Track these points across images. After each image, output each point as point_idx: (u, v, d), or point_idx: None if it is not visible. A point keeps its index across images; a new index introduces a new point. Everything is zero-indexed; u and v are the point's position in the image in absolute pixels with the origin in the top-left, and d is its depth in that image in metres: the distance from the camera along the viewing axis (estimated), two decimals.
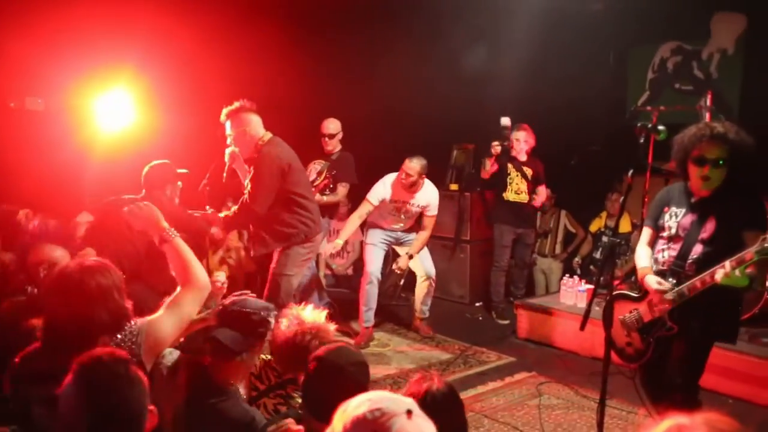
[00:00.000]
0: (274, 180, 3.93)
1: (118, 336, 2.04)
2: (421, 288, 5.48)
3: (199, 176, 4.90)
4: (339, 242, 5.29)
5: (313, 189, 5.23)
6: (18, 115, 6.31)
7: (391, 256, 5.88)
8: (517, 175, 5.88)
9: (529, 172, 5.89)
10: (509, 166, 5.86)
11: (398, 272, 5.43)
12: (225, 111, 4.07)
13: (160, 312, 2.20)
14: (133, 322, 2.11)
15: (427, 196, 5.28)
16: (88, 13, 5.45)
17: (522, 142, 5.85)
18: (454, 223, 6.61)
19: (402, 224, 5.38)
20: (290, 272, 4.10)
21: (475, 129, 6.84)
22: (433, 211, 5.31)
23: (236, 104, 4.07)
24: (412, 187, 5.19)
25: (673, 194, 3.11)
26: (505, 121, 5.68)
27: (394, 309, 6.23)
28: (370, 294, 5.25)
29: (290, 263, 4.08)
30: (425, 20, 6.64)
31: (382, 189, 5.25)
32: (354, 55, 7.06)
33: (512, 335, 5.43)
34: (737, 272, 2.66)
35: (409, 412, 1.33)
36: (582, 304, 5.19)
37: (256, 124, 4.08)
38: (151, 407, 1.69)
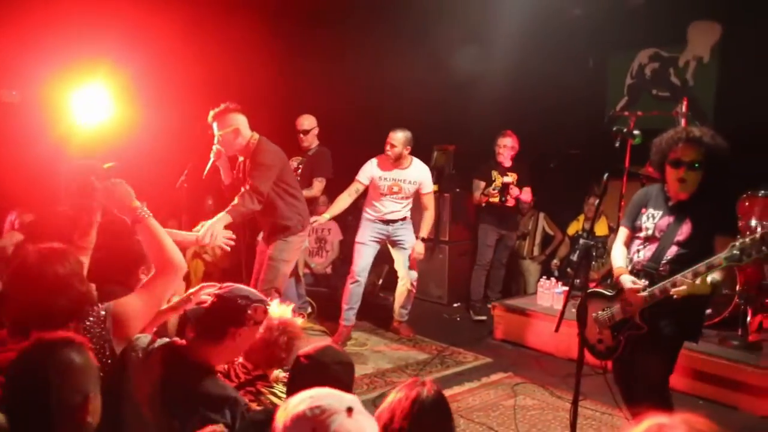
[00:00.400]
0: (275, 168, 4.17)
1: (87, 321, 2.02)
2: (401, 291, 5.50)
3: (178, 172, 4.87)
4: (326, 216, 5.34)
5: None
6: None
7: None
8: (501, 180, 5.97)
9: (513, 177, 5.94)
10: (493, 172, 5.95)
11: (419, 258, 5.41)
12: (212, 112, 4.14)
13: (130, 295, 2.18)
14: (98, 306, 2.08)
15: (419, 172, 5.33)
16: (65, 4, 5.38)
17: (508, 148, 5.92)
18: (433, 224, 6.63)
19: (399, 206, 5.32)
20: (288, 258, 4.36)
21: (455, 130, 6.88)
22: (428, 188, 5.38)
23: (223, 105, 4.15)
24: (398, 160, 5.24)
25: (651, 196, 3.16)
26: (508, 179, 5.84)
27: (373, 309, 6.23)
28: (353, 293, 5.26)
29: (288, 250, 4.34)
30: (407, 20, 6.66)
31: (369, 167, 5.32)
32: (334, 52, 7.05)
33: (489, 336, 5.46)
34: (699, 280, 2.72)
35: (349, 410, 1.33)
36: (558, 306, 5.24)
37: (244, 124, 4.17)
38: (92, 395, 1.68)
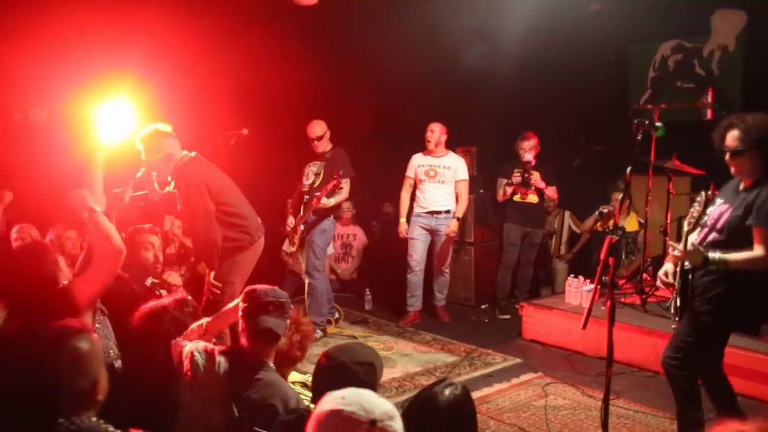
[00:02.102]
0: (204, 198, 3.81)
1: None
2: (436, 277, 6.01)
3: None
4: (402, 220, 5.87)
5: (317, 194, 5.23)
6: (22, 127, 6.34)
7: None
8: (517, 172, 5.95)
9: (537, 175, 5.90)
10: (516, 171, 5.93)
11: (452, 236, 5.85)
12: (139, 136, 3.91)
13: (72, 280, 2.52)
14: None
15: (453, 159, 5.87)
16: (87, 22, 5.49)
17: (528, 150, 5.89)
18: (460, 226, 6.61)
19: (440, 190, 5.78)
20: (234, 279, 3.96)
21: (476, 131, 6.84)
22: (463, 175, 5.84)
23: (151, 128, 3.94)
24: (436, 148, 5.77)
25: (728, 186, 3.19)
26: (528, 156, 5.84)
27: (398, 311, 6.23)
28: (411, 282, 5.86)
29: (235, 270, 3.96)
30: (423, 21, 6.64)
31: (412, 160, 5.91)
32: (354, 58, 7.07)
33: (518, 336, 5.40)
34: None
35: (372, 422, 1.29)
36: (587, 304, 5.15)
37: (174, 146, 3.94)
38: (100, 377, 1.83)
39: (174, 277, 4.92)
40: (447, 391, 2.01)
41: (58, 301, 2.41)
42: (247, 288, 2.53)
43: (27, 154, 5.96)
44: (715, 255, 2.89)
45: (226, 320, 2.64)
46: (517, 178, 5.87)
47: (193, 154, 4.00)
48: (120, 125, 5.94)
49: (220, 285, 3.81)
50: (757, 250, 2.85)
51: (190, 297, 2.96)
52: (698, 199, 3.01)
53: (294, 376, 2.87)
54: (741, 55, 6.04)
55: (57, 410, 1.73)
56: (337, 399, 1.35)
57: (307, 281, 5.50)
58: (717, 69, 6.22)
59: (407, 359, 4.96)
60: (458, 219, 5.83)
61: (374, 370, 2.19)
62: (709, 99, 4.97)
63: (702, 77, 6.31)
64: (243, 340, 2.43)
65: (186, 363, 2.41)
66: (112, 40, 5.72)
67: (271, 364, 2.43)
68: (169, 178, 3.95)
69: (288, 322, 2.49)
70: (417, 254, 5.82)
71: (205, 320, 2.63)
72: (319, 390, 2.06)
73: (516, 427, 3.72)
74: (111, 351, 2.78)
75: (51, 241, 4.63)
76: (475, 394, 4.16)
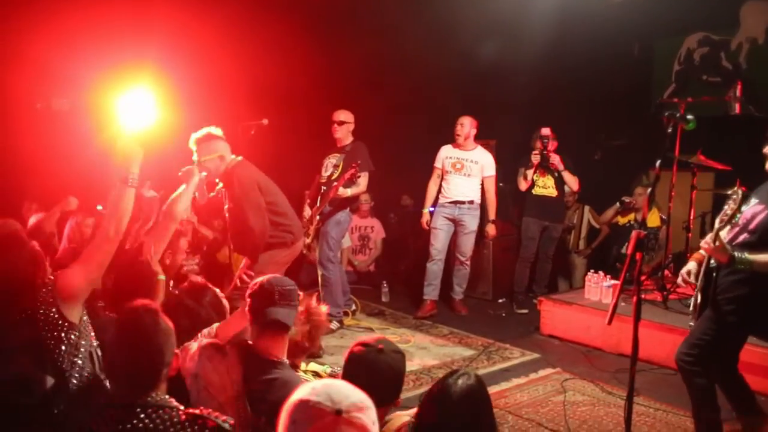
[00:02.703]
0: (258, 195, 4.11)
1: (43, 290, 2.24)
2: (456, 269, 5.98)
3: None
4: (426, 211, 5.91)
5: (335, 184, 5.22)
6: (45, 116, 6.40)
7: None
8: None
9: (557, 158, 5.85)
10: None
11: (490, 237, 6.04)
12: (193, 138, 4.15)
13: (71, 268, 2.38)
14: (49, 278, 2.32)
15: (481, 153, 5.87)
16: (109, 12, 5.51)
17: (549, 143, 5.86)
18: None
19: (466, 181, 5.80)
20: (268, 272, 4.06)
21: (496, 124, 6.78)
22: (490, 171, 5.86)
23: (205, 131, 4.15)
24: (466, 141, 5.80)
25: (764, 187, 3.11)
26: (546, 131, 5.81)
27: (419, 306, 6.21)
28: (430, 271, 5.87)
29: (272, 264, 4.15)
30: (443, 14, 6.59)
31: (440, 152, 5.92)
32: (372, 49, 7.03)
33: (536, 331, 5.36)
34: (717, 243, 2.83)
35: (337, 413, 1.30)
36: (607, 300, 5.11)
37: (225, 149, 4.17)
38: (176, 351, 2.05)
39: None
40: (460, 381, 1.99)
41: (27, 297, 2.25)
42: (251, 282, 2.50)
43: (49, 142, 6.02)
44: (741, 255, 2.83)
45: (238, 323, 2.53)
46: (536, 156, 5.82)
47: (240, 158, 4.24)
48: (141, 114, 5.99)
49: (252, 273, 3.94)
50: None
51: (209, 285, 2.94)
52: (733, 196, 2.92)
53: (313, 366, 2.85)
54: None
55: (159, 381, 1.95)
56: (308, 388, 1.36)
57: (320, 272, 5.50)
58: (745, 62, 6.10)
59: (424, 352, 4.95)
60: (493, 221, 5.92)
61: (404, 360, 2.19)
62: (738, 93, 4.87)
63: (729, 71, 6.19)
64: (253, 336, 2.39)
65: (191, 364, 2.37)
66: (132, 29, 5.74)
67: (285, 360, 2.37)
68: (216, 180, 4.19)
69: (298, 310, 2.44)
70: (438, 243, 5.86)
71: (215, 325, 2.59)
72: (349, 377, 2.05)
73: (534, 423, 3.69)
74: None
75: (71, 227, 4.67)
76: (493, 389, 4.14)
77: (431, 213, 5.93)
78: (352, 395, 1.37)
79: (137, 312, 2.00)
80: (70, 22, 5.57)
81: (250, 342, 2.40)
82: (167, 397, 1.94)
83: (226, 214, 4.30)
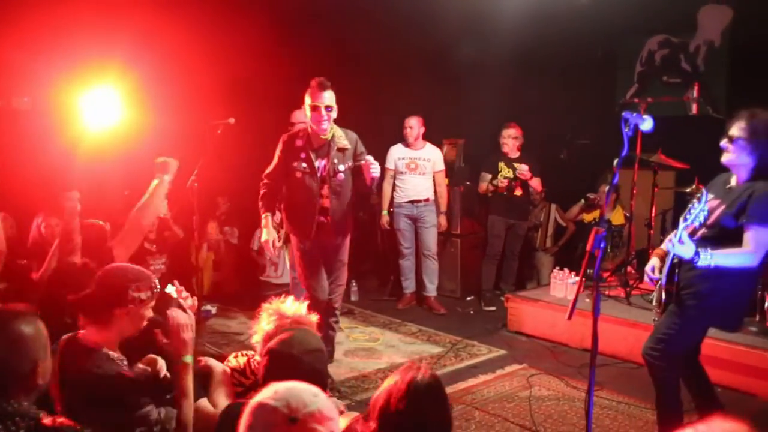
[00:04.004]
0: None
1: None
2: (427, 266, 6.09)
3: (188, 173, 4.89)
4: (384, 212, 6.03)
5: None
6: (4, 114, 6.25)
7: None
8: (508, 171, 5.96)
9: (524, 166, 5.93)
10: (500, 163, 5.96)
11: (442, 229, 6.18)
12: (322, 80, 4.03)
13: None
14: None
15: (431, 150, 6.03)
16: (74, 9, 5.41)
17: (512, 138, 5.94)
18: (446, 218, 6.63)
19: (421, 179, 5.95)
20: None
21: (464, 123, 6.85)
22: (440, 165, 6.05)
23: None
24: (416, 141, 5.93)
25: (716, 182, 3.19)
26: (523, 167, 5.92)
27: (386, 303, 6.24)
28: (404, 267, 6.12)
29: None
30: (411, 13, 6.62)
31: (390, 153, 6.03)
32: (345, 49, 7.04)
33: (503, 328, 5.44)
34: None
35: (292, 421, 1.29)
36: (572, 296, 5.19)
37: None
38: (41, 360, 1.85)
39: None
40: (421, 376, 2.00)
41: None
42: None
43: (9, 141, 5.88)
44: (704, 251, 2.88)
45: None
46: (503, 183, 5.90)
47: None
48: (105, 113, 5.89)
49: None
50: (746, 249, 2.86)
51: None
52: (698, 194, 2.99)
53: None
54: (727, 51, 6.09)
55: None
56: (271, 391, 1.35)
57: (291, 275, 5.48)
58: (703, 64, 6.26)
59: (393, 350, 4.98)
60: (445, 213, 6.11)
61: (323, 356, 2.15)
62: (695, 94, 5.03)
63: (688, 72, 6.35)
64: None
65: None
66: (97, 27, 5.65)
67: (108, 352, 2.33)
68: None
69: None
70: (406, 242, 6.07)
71: None
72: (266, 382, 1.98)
73: (500, 418, 3.75)
74: None
75: (36, 228, 4.60)
76: (460, 385, 4.20)
77: (390, 213, 6.05)
78: (312, 403, 1.34)
79: (5, 315, 1.88)
80: (32, 18, 5.45)
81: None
82: (25, 404, 1.80)
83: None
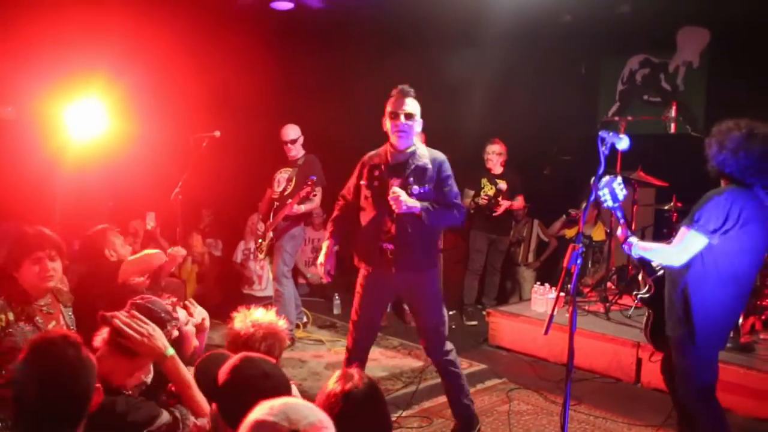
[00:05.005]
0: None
1: None
2: None
3: (173, 184, 4.90)
4: None
5: (289, 201, 5.22)
6: None
7: None
8: (491, 188, 6.02)
9: (503, 184, 5.99)
10: (483, 179, 6.02)
11: None
12: (407, 88, 3.57)
13: None
14: None
15: None
16: (60, 20, 5.43)
17: (496, 154, 5.99)
18: None
19: None
20: None
21: (447, 139, 6.90)
22: None
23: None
24: None
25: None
26: (502, 185, 5.95)
27: None
28: None
29: None
30: (397, 30, 6.70)
31: None
32: (325, 63, 7.11)
33: (484, 342, 5.47)
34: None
35: None
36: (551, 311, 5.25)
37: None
38: (98, 384, 1.83)
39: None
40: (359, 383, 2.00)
41: None
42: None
43: None
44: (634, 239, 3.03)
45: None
46: (484, 201, 5.93)
47: None
48: (90, 124, 5.90)
49: None
50: (671, 246, 2.92)
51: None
52: None
53: None
54: (705, 71, 6.23)
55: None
56: (265, 408, 1.36)
57: (275, 287, 5.49)
58: (682, 84, 6.39)
59: (374, 364, 4.98)
60: None
61: (276, 379, 1.93)
62: (673, 113, 5.12)
63: (668, 92, 6.48)
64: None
65: None
66: (84, 38, 5.66)
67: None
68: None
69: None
70: None
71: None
72: (228, 409, 1.86)
73: None
74: None
75: None
76: (440, 399, 4.21)
77: None
78: (310, 415, 1.36)
79: (57, 344, 1.79)
80: (18, 28, 5.46)
81: None
82: None
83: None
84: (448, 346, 3.68)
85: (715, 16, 5.94)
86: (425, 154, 3.53)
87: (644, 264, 3.23)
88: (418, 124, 3.53)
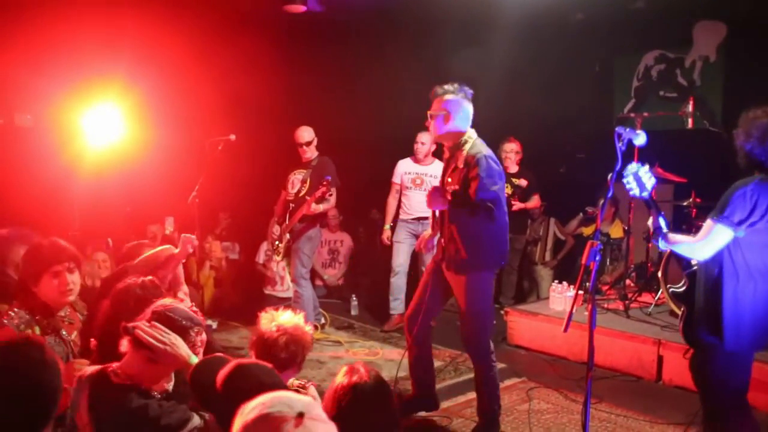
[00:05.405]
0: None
1: None
2: None
3: (189, 188, 4.94)
4: (387, 227, 5.88)
5: (307, 198, 5.24)
6: (7, 131, 6.32)
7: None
8: (507, 186, 5.98)
9: (523, 182, 5.96)
10: None
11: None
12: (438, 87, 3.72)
13: None
14: None
15: (440, 166, 5.57)
16: (75, 27, 5.50)
17: (513, 153, 5.96)
18: None
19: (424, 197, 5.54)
20: None
21: None
22: None
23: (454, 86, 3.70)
24: (426, 158, 5.77)
25: None
26: (522, 182, 5.96)
27: (384, 317, 6.25)
28: (394, 285, 5.84)
29: None
30: (407, 30, 6.71)
31: (398, 167, 5.89)
32: (337, 67, 7.13)
33: (503, 342, 5.44)
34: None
35: (300, 416, 1.32)
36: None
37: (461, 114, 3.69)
38: (66, 386, 1.78)
39: None
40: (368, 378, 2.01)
41: None
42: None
43: (12, 158, 5.94)
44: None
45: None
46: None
47: None
48: (107, 130, 5.96)
49: None
50: (696, 239, 2.82)
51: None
52: None
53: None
54: (722, 65, 6.16)
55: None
56: (258, 406, 1.37)
57: (294, 289, 5.51)
58: (699, 79, 6.33)
59: (392, 365, 4.97)
60: None
61: (271, 388, 1.87)
62: (690, 108, 5.06)
63: (684, 87, 6.41)
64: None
65: None
66: (100, 44, 5.73)
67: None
68: None
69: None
70: (401, 257, 5.82)
71: None
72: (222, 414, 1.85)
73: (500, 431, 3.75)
74: None
75: None
76: (460, 399, 4.20)
77: (392, 228, 5.89)
78: (301, 398, 1.41)
79: (19, 346, 1.74)
80: (36, 36, 5.54)
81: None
82: None
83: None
84: (487, 352, 3.73)
85: (732, 10, 5.87)
86: (467, 153, 3.63)
87: (679, 258, 3.15)
88: (441, 121, 3.73)
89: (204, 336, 2.39)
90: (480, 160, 3.49)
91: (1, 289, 2.87)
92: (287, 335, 2.44)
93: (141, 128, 6.16)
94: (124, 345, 2.24)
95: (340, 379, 1.96)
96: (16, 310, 2.67)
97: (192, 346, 2.27)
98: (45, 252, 2.77)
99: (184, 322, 2.29)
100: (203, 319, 2.69)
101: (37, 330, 2.69)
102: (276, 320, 2.49)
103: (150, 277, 2.69)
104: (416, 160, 5.83)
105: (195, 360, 2.25)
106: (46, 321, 2.72)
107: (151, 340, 2.19)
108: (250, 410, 1.38)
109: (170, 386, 2.36)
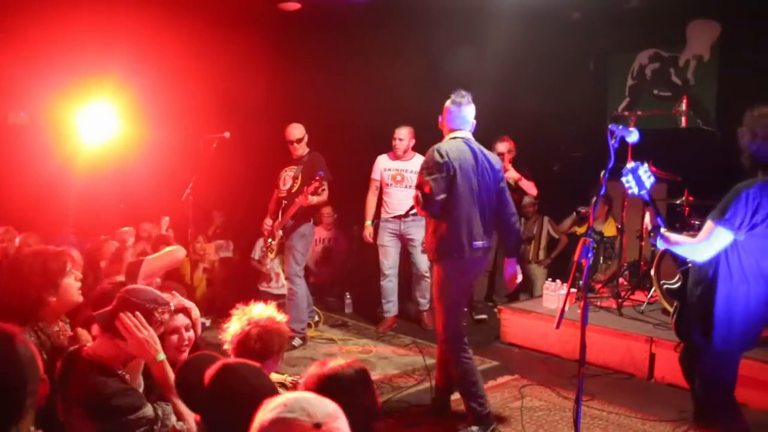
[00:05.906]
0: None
1: None
2: (419, 284, 5.90)
3: (183, 186, 4.94)
4: (368, 223, 5.82)
5: (304, 189, 5.24)
6: (1, 129, 6.32)
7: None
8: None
9: (513, 172, 5.97)
10: None
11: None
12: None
13: None
14: None
15: (420, 161, 5.51)
16: (70, 25, 5.49)
17: (505, 153, 5.96)
18: None
19: (408, 196, 5.36)
20: None
21: None
22: None
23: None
24: (405, 153, 5.75)
25: None
26: (504, 146, 5.87)
27: (380, 315, 6.26)
28: (385, 288, 5.86)
29: None
30: (402, 28, 6.71)
31: (378, 163, 5.84)
32: (332, 64, 7.13)
33: (496, 339, 5.46)
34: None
35: (317, 426, 1.28)
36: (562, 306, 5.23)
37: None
38: (43, 376, 1.75)
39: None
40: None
41: None
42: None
43: (7, 156, 5.94)
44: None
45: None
46: None
47: None
48: (101, 128, 5.95)
49: None
50: (696, 240, 2.81)
51: None
52: None
53: (274, 376, 2.84)
54: (716, 64, 6.18)
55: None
56: (278, 407, 1.33)
57: (287, 286, 5.51)
58: (693, 78, 6.35)
59: (386, 362, 4.99)
60: None
61: (256, 387, 1.89)
62: (684, 107, 5.08)
63: (678, 86, 6.43)
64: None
65: None
66: (94, 42, 5.73)
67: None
68: None
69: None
70: (389, 260, 5.80)
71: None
72: (211, 415, 1.90)
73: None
74: None
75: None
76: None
77: (374, 226, 5.85)
78: (325, 407, 1.35)
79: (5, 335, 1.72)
80: (29, 34, 5.53)
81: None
82: (32, 429, 1.79)
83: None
84: (455, 345, 3.73)
85: (726, 9, 5.89)
86: None
87: (674, 255, 3.15)
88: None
89: (168, 316, 2.48)
90: (428, 153, 3.69)
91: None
92: (258, 327, 2.43)
93: (135, 126, 6.15)
94: (95, 329, 2.40)
95: (319, 367, 1.95)
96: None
97: (159, 325, 2.41)
98: (58, 258, 2.78)
99: (147, 305, 2.39)
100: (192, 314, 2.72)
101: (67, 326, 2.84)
102: (247, 314, 2.50)
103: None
104: (395, 156, 5.78)
105: (162, 357, 2.37)
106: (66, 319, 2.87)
107: (129, 331, 2.32)
108: (271, 408, 1.33)
109: (140, 389, 2.45)
